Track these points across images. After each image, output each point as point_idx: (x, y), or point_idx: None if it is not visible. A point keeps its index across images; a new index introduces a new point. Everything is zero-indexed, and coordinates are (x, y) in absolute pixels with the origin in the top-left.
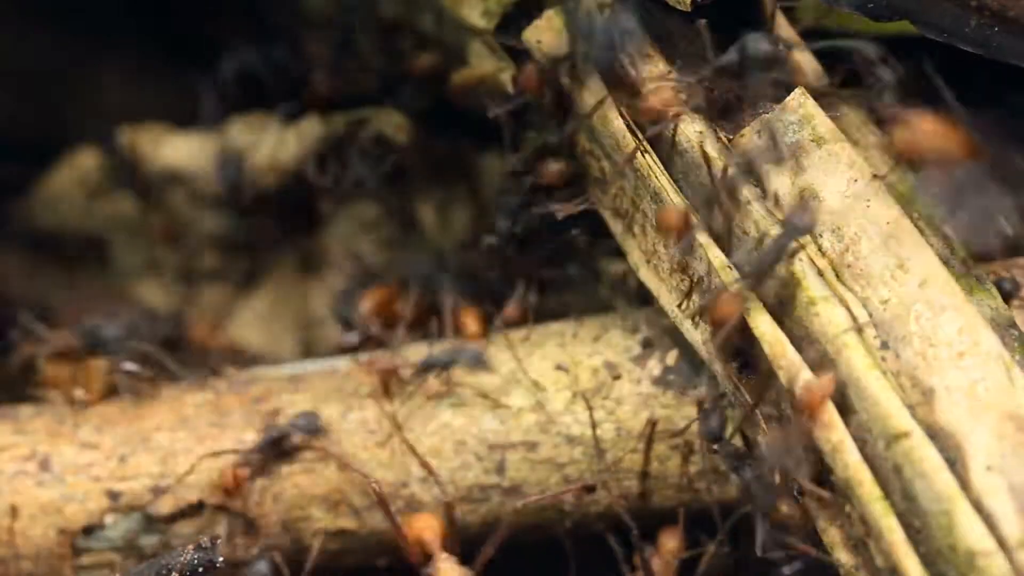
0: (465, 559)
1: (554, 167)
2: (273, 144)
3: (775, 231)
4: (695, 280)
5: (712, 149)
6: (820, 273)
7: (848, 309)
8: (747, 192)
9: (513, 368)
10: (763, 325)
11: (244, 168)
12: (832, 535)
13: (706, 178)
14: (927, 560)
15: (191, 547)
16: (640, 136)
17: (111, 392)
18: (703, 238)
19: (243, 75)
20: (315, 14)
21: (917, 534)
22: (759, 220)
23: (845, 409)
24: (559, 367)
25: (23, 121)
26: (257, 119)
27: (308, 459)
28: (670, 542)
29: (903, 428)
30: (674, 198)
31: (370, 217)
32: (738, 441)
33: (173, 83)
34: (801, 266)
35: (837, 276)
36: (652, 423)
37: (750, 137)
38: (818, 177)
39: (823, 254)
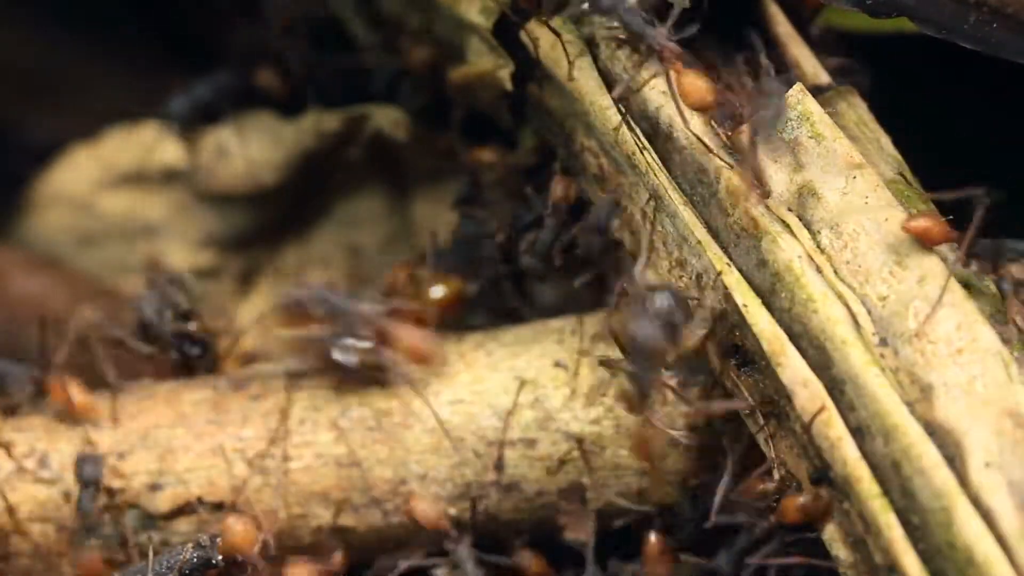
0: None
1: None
2: (270, 141)
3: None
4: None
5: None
6: (819, 270)
7: (847, 306)
8: (744, 188)
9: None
10: (762, 322)
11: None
12: (830, 532)
13: (705, 175)
14: (926, 557)
15: (190, 545)
16: (638, 133)
17: None
18: (701, 235)
19: (196, 108)
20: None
21: (916, 531)
22: (756, 216)
23: (844, 406)
24: (558, 364)
25: (23, 121)
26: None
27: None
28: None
29: (901, 425)
30: (673, 196)
31: (367, 214)
32: None
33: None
34: (800, 263)
35: (836, 273)
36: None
37: (748, 134)
38: (816, 174)
39: (822, 251)
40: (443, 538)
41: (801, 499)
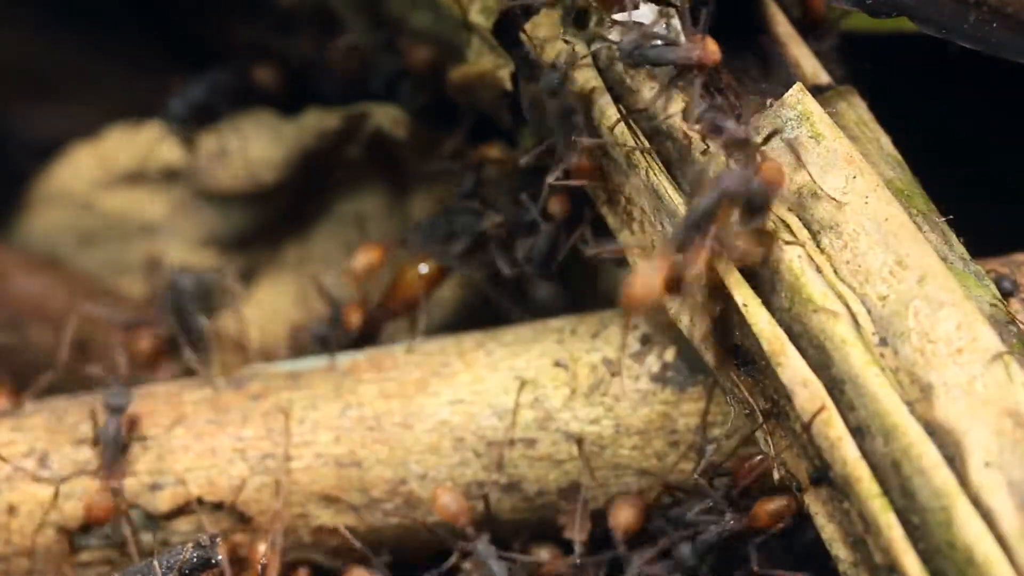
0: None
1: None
2: (270, 140)
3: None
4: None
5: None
6: (819, 270)
7: (847, 306)
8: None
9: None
10: (762, 322)
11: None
12: (830, 531)
13: (705, 175)
14: (925, 556)
15: (190, 545)
16: (639, 133)
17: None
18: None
19: (194, 108)
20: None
21: (916, 530)
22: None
23: (844, 406)
24: (558, 363)
25: (23, 119)
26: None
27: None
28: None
29: (901, 425)
30: (673, 196)
31: (367, 212)
32: None
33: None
34: (800, 263)
35: (835, 273)
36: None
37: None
38: (816, 174)
39: (822, 251)
40: (454, 536)
41: (773, 504)
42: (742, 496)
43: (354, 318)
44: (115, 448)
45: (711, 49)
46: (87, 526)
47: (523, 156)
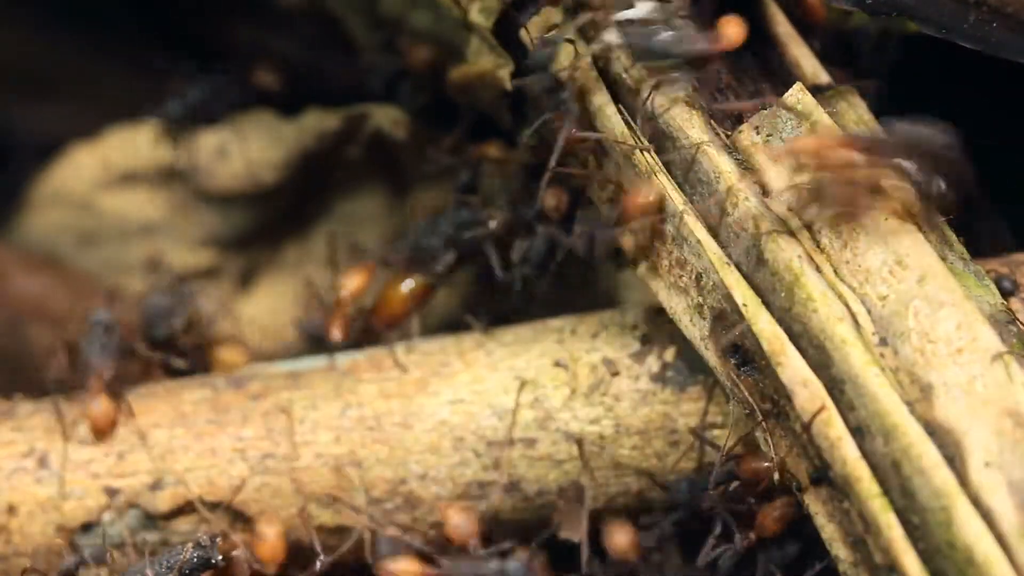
0: None
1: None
2: (270, 140)
3: None
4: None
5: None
6: (818, 269)
7: (847, 305)
8: (744, 187)
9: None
10: (762, 322)
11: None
12: (830, 531)
13: (705, 175)
14: (926, 556)
15: (190, 544)
16: (638, 133)
17: None
18: (701, 235)
19: (193, 109)
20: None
21: (916, 530)
22: (756, 216)
23: (844, 405)
24: (558, 363)
25: (23, 120)
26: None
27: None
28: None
29: (901, 424)
30: (673, 195)
31: (367, 213)
32: None
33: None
34: (799, 262)
35: (835, 272)
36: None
37: (748, 133)
38: None
39: (821, 250)
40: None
41: (777, 509)
42: (750, 504)
43: (336, 332)
44: (104, 350)
45: (727, 33)
46: (87, 525)
47: (522, 154)
